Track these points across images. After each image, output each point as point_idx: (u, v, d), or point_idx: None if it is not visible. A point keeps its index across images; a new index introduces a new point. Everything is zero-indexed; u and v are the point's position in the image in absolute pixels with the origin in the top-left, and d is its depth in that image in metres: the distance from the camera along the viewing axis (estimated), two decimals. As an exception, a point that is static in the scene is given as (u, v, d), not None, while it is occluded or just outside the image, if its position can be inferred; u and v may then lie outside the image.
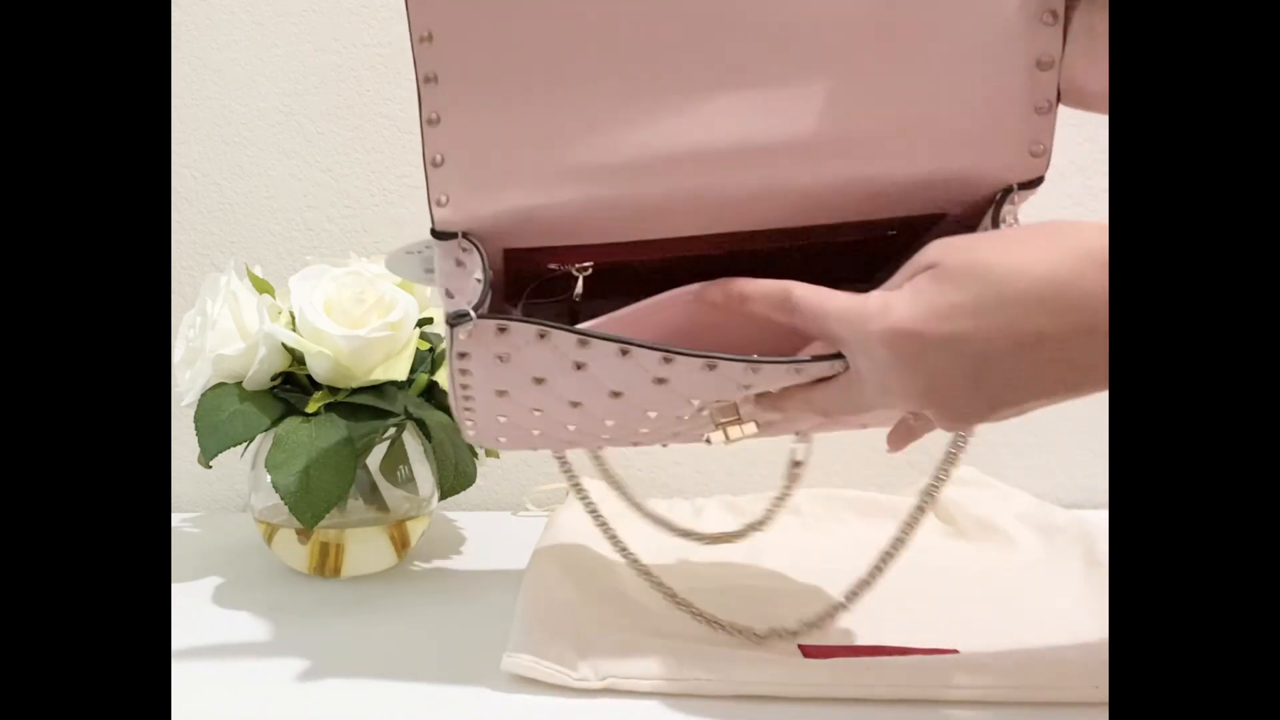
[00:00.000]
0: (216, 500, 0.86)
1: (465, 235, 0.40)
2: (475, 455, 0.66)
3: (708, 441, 0.45)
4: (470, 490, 0.65)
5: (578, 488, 0.56)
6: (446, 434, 0.63)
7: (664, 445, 0.49)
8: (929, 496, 0.48)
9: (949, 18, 0.38)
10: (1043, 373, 0.35)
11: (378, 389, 0.61)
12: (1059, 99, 0.39)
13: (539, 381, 0.42)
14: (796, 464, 0.55)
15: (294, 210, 0.85)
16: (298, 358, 0.60)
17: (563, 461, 0.56)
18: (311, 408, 0.59)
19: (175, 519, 0.81)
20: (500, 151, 0.38)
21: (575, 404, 0.43)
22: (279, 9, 0.83)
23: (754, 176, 0.39)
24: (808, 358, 0.39)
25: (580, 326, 0.40)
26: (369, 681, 0.46)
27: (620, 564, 0.61)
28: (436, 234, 0.40)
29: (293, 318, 0.60)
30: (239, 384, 0.60)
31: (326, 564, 0.62)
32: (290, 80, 0.84)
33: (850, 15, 0.38)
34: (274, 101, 0.84)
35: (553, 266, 0.45)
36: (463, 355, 0.41)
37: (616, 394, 0.42)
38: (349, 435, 0.57)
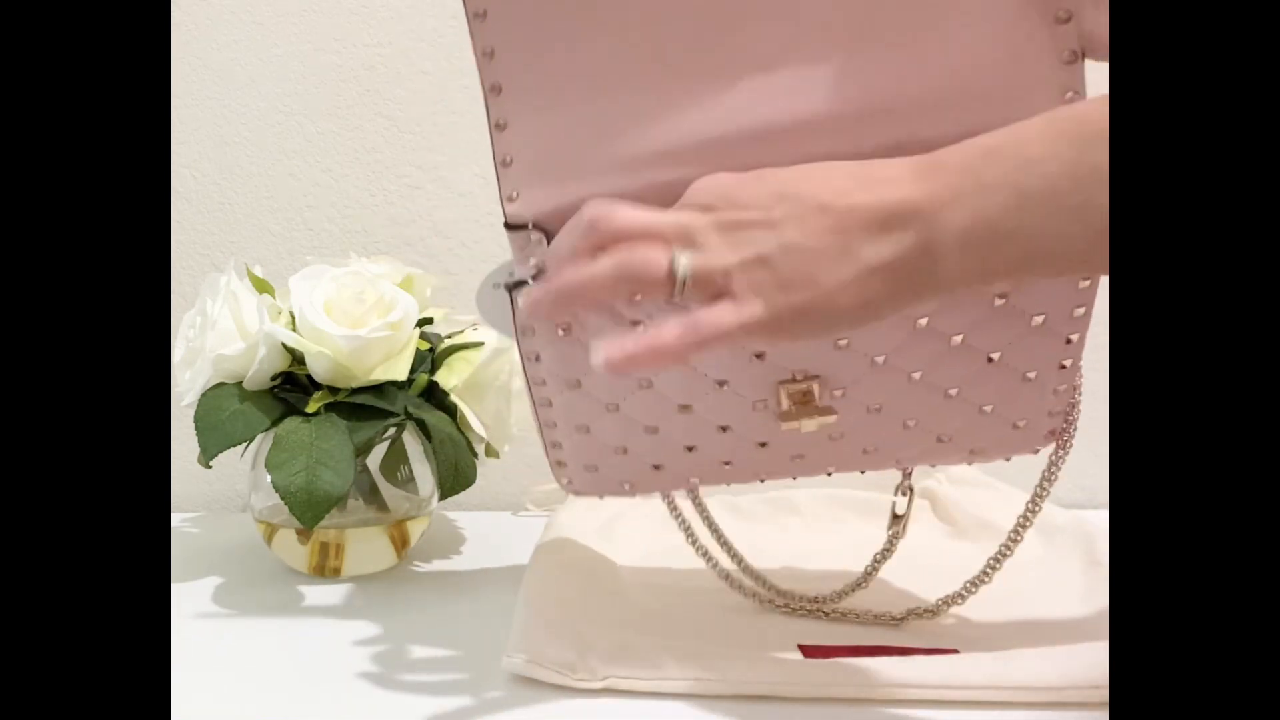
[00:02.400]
0: (216, 500, 0.86)
1: (535, 225, 0.43)
2: (475, 455, 0.66)
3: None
4: (470, 490, 0.65)
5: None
6: (446, 434, 0.63)
7: (761, 480, 0.50)
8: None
9: None
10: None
11: (378, 389, 0.61)
12: (1082, 53, 0.40)
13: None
14: (897, 517, 0.54)
15: (294, 210, 0.85)
16: (298, 358, 0.60)
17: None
18: (311, 408, 0.59)
19: (175, 519, 0.81)
20: (561, 149, 0.42)
21: (645, 384, 0.45)
22: (279, 9, 0.83)
23: (796, 152, 0.40)
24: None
25: None
26: (369, 681, 0.46)
27: (620, 564, 0.61)
28: (509, 226, 0.43)
29: (293, 318, 0.60)
30: (239, 384, 0.60)
31: (326, 564, 0.62)
32: (290, 80, 0.84)
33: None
34: (274, 101, 0.84)
35: None
36: (527, 333, 0.45)
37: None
38: (349, 435, 0.57)
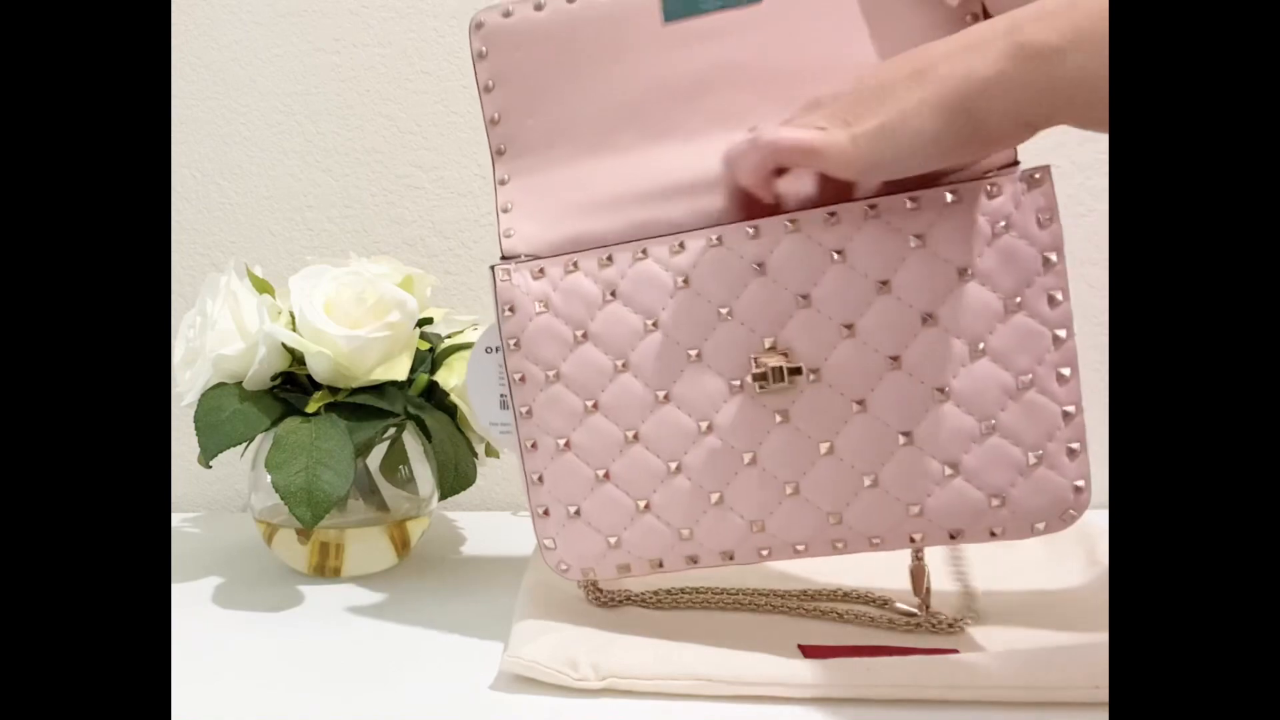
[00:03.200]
0: (216, 500, 0.86)
1: (527, 256, 0.50)
2: (475, 455, 0.66)
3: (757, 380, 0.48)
4: (470, 490, 0.65)
5: None
6: (446, 434, 0.63)
7: (762, 556, 0.49)
8: None
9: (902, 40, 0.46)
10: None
11: (378, 389, 0.61)
12: None
13: (581, 339, 0.49)
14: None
15: (294, 210, 0.85)
16: (298, 358, 0.60)
17: None
18: (311, 408, 0.59)
19: (175, 519, 0.81)
20: (553, 198, 0.50)
21: (620, 363, 0.48)
22: (279, 9, 0.83)
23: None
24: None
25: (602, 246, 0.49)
26: (369, 681, 0.46)
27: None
28: (505, 258, 0.50)
29: (293, 318, 0.60)
30: (239, 384, 0.60)
31: (326, 564, 0.62)
32: (290, 80, 0.84)
33: (815, 63, 0.48)
34: (274, 101, 0.84)
35: None
36: (509, 310, 0.49)
37: (651, 322, 0.48)
38: (349, 435, 0.57)
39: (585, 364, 0.49)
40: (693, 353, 0.47)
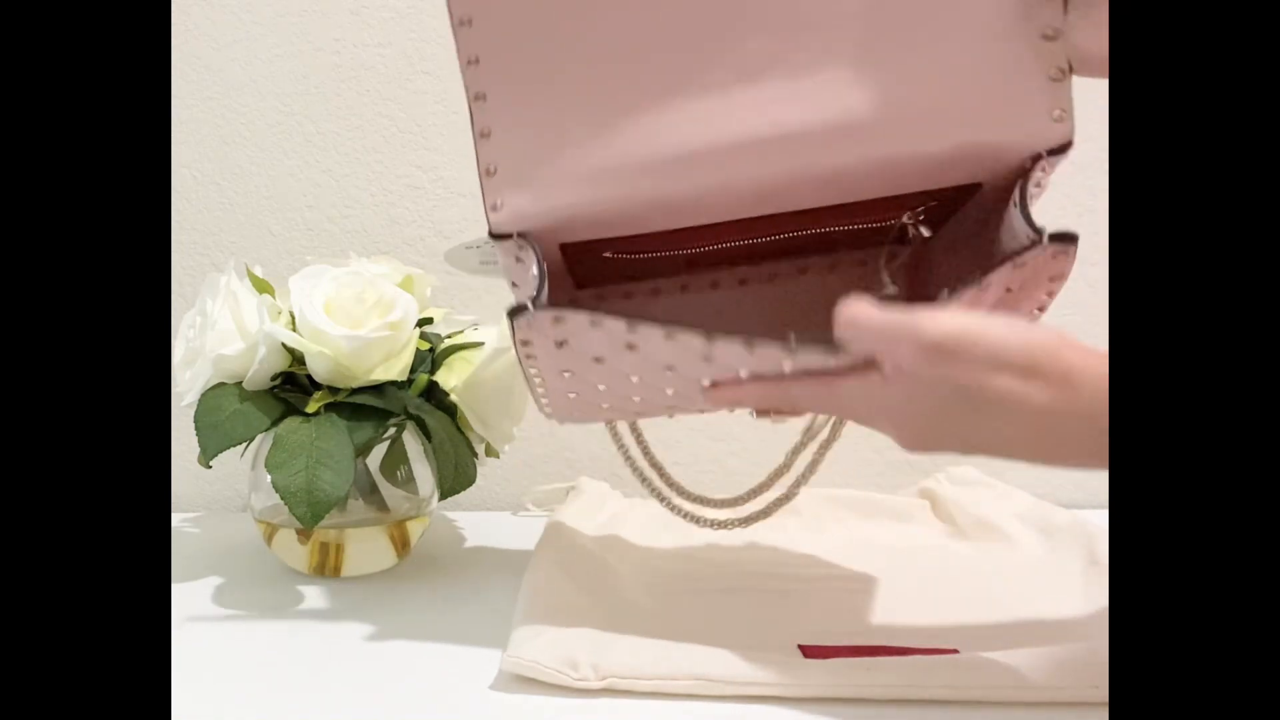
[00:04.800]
0: (216, 500, 0.86)
1: (520, 235, 0.43)
2: (475, 455, 0.66)
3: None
4: (470, 490, 0.65)
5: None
6: (446, 434, 0.63)
7: (730, 410, 0.49)
8: None
9: (959, 5, 0.40)
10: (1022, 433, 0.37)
11: (378, 389, 0.61)
12: (1071, 69, 0.41)
13: (598, 361, 0.44)
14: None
15: (294, 210, 0.85)
16: (298, 358, 0.60)
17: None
18: (311, 408, 0.59)
19: (175, 519, 0.81)
20: (544, 158, 0.42)
21: (634, 379, 0.45)
22: (279, 9, 0.83)
23: (782, 164, 0.41)
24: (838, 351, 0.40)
25: (625, 315, 0.42)
26: (369, 681, 0.46)
27: (620, 564, 0.61)
28: (494, 235, 0.43)
29: (293, 318, 0.60)
30: (239, 384, 0.60)
31: (326, 564, 0.62)
32: (290, 80, 0.84)
33: (863, 5, 0.40)
34: (274, 101, 0.84)
35: (607, 255, 0.48)
36: (525, 343, 0.44)
37: (670, 367, 0.43)
38: (349, 435, 0.57)
39: (599, 371, 0.45)
40: (705, 381, 0.44)
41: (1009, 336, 0.36)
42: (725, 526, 0.64)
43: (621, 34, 0.41)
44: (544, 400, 0.50)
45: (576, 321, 0.42)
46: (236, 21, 0.84)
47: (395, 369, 0.60)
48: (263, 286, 0.63)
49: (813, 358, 0.40)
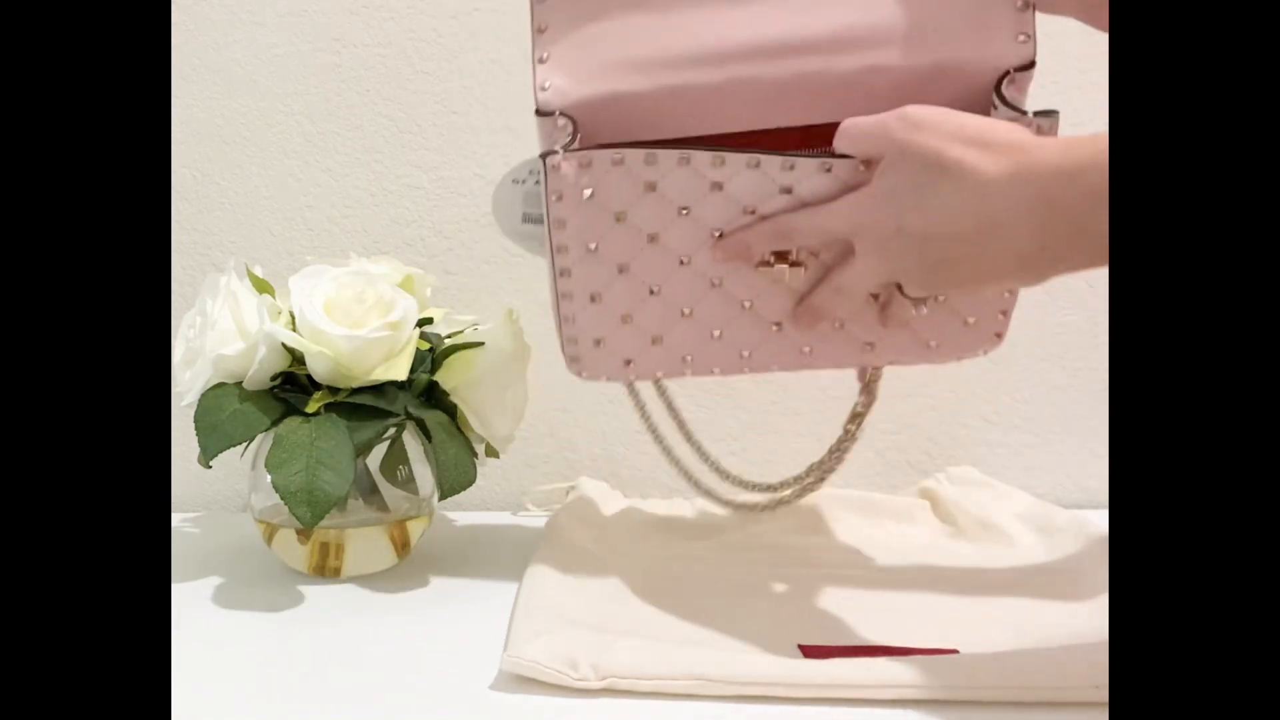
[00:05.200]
0: (216, 500, 0.86)
1: (561, 113, 0.51)
2: (475, 456, 0.66)
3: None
4: (470, 490, 0.65)
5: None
6: (446, 434, 0.63)
7: (746, 369, 0.57)
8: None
9: None
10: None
11: (378, 389, 0.61)
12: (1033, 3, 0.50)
13: (620, 219, 0.51)
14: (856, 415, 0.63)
15: (294, 210, 0.85)
16: (298, 358, 0.60)
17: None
18: (311, 408, 0.59)
19: (175, 519, 0.81)
20: (591, 49, 0.51)
21: (653, 237, 0.52)
22: (279, 9, 0.83)
23: (793, 66, 0.50)
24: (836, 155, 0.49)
25: (644, 144, 0.50)
26: (369, 681, 0.46)
27: (620, 564, 0.61)
28: (539, 112, 0.51)
29: (293, 318, 0.60)
30: (239, 384, 0.60)
31: (326, 564, 0.62)
32: (290, 80, 0.84)
33: None
34: (274, 101, 0.84)
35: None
36: (558, 198, 0.51)
37: (684, 210, 0.51)
38: (349, 435, 0.57)
39: (621, 237, 0.52)
40: (716, 232, 0.52)
41: (971, 116, 0.44)
42: (750, 508, 0.68)
43: None
44: (568, 329, 0.55)
45: (600, 163, 0.50)
46: (236, 21, 0.84)
47: (395, 369, 0.60)
48: (263, 286, 0.63)
49: (809, 167, 0.49)
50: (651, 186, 0.50)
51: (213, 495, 0.86)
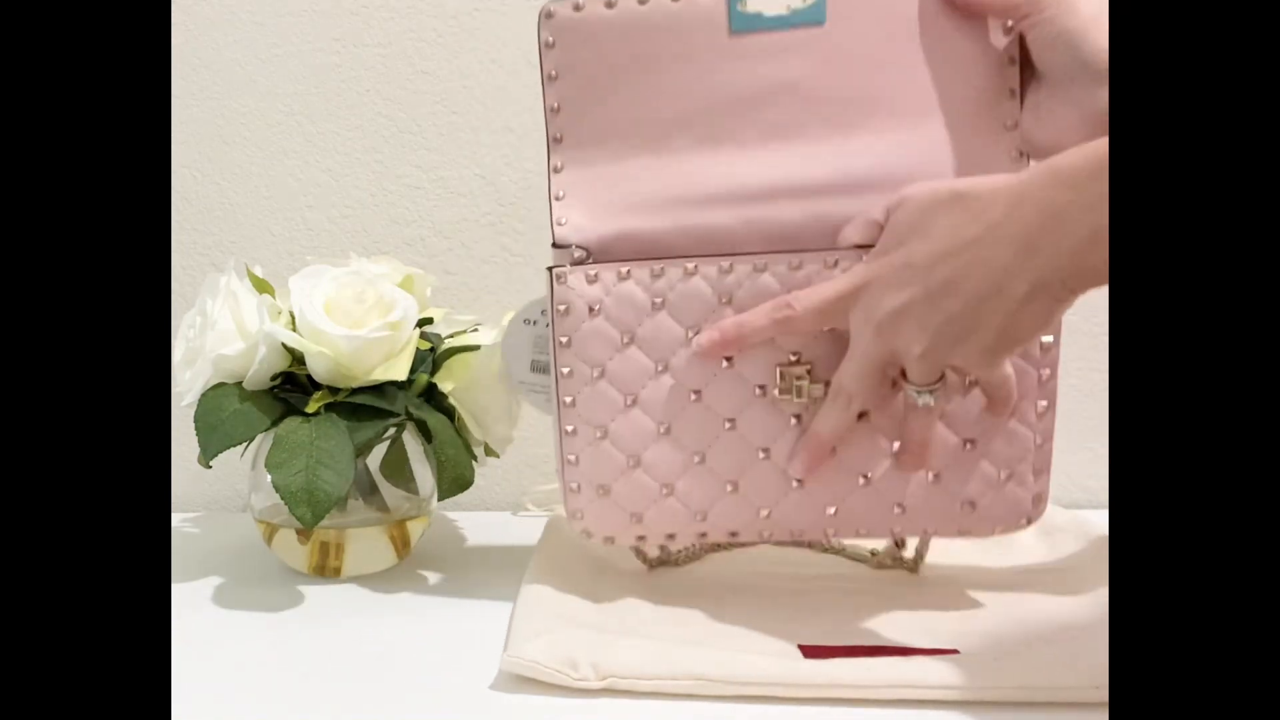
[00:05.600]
0: (216, 500, 0.86)
1: (577, 245, 0.52)
2: (474, 456, 0.66)
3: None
4: (470, 490, 0.65)
5: None
6: (446, 434, 0.63)
7: (766, 531, 0.54)
8: None
9: (944, 96, 0.51)
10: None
11: (378, 389, 0.61)
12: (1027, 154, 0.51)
13: (627, 342, 0.52)
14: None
15: (294, 210, 0.85)
16: (298, 358, 0.60)
17: None
18: (311, 408, 0.59)
19: (175, 519, 0.81)
20: (606, 189, 0.52)
21: (662, 365, 0.52)
22: (279, 9, 0.83)
23: (805, 208, 0.51)
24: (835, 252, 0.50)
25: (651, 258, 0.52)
26: (369, 681, 0.46)
27: (620, 563, 0.61)
28: (556, 245, 0.53)
29: (293, 318, 0.60)
30: (239, 384, 0.60)
31: (326, 564, 0.62)
32: (290, 80, 0.84)
33: (868, 89, 0.51)
34: (274, 101, 0.84)
35: None
36: (564, 310, 0.52)
37: (693, 331, 0.51)
38: (349, 435, 0.57)
39: (629, 364, 0.52)
40: (725, 362, 0.51)
41: (942, 183, 0.46)
42: None
43: (673, 100, 0.51)
44: (573, 481, 0.53)
45: (607, 276, 0.51)
46: (236, 21, 0.84)
47: (395, 369, 0.60)
48: (263, 286, 0.63)
49: (816, 263, 0.50)
50: (659, 305, 0.51)
51: (213, 495, 0.86)
